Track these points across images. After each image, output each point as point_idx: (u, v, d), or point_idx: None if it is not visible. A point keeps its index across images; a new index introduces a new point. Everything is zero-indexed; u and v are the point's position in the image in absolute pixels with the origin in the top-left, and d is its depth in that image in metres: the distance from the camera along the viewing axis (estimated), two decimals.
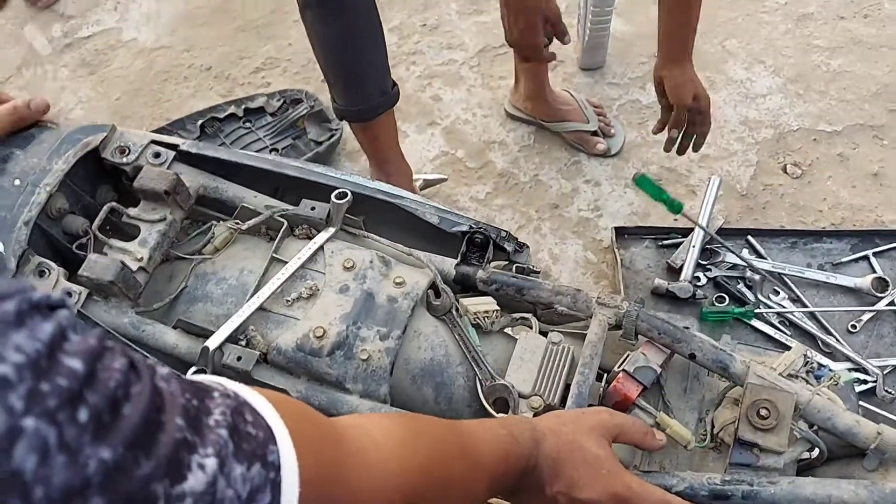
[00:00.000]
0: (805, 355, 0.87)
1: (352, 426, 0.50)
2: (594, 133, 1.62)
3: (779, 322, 1.40)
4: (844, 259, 1.45)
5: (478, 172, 1.66)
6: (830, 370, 1.28)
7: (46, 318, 0.30)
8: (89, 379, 0.30)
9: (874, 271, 1.43)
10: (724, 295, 1.43)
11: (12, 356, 0.28)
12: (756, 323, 1.40)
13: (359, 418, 0.55)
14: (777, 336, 1.38)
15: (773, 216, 1.52)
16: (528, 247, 0.98)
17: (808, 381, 0.83)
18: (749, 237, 1.48)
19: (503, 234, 0.95)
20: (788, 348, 1.31)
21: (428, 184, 1.60)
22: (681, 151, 1.39)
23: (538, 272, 0.94)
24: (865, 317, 1.39)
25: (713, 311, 1.40)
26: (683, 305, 1.42)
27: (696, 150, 1.39)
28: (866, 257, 1.45)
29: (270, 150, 1.62)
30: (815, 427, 0.79)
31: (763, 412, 0.74)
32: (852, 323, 1.38)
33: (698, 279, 1.44)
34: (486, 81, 1.78)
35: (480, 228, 0.94)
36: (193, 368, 0.82)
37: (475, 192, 1.64)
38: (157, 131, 1.62)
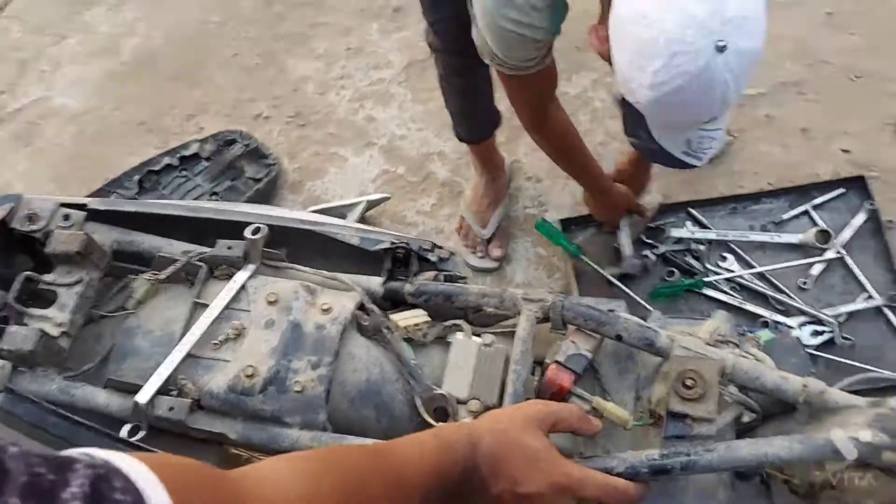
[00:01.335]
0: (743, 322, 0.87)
1: (252, 476, 0.50)
2: None
3: (730, 288, 1.41)
4: (785, 217, 1.46)
5: (421, 186, 1.67)
6: (778, 328, 1.29)
7: None
8: None
9: (815, 224, 1.44)
10: (673, 269, 1.44)
11: None
12: (709, 291, 1.41)
13: (263, 464, 0.55)
14: (731, 301, 1.39)
15: (710, 185, 1.54)
16: (454, 255, 0.98)
17: (737, 345, 0.84)
18: (690, 209, 1.49)
19: (425, 245, 0.96)
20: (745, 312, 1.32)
21: (372, 204, 1.60)
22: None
23: (465, 278, 0.94)
24: (814, 270, 1.40)
25: (664, 287, 1.41)
26: (644, 283, 1.43)
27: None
28: (806, 212, 1.47)
29: (210, 195, 1.62)
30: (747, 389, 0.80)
31: (689, 382, 0.74)
32: (802, 280, 1.39)
33: (646, 256, 1.45)
34: (417, 95, 1.79)
35: (401, 243, 0.95)
36: (128, 426, 0.82)
37: (420, 206, 1.64)
38: (96, 193, 1.62)
